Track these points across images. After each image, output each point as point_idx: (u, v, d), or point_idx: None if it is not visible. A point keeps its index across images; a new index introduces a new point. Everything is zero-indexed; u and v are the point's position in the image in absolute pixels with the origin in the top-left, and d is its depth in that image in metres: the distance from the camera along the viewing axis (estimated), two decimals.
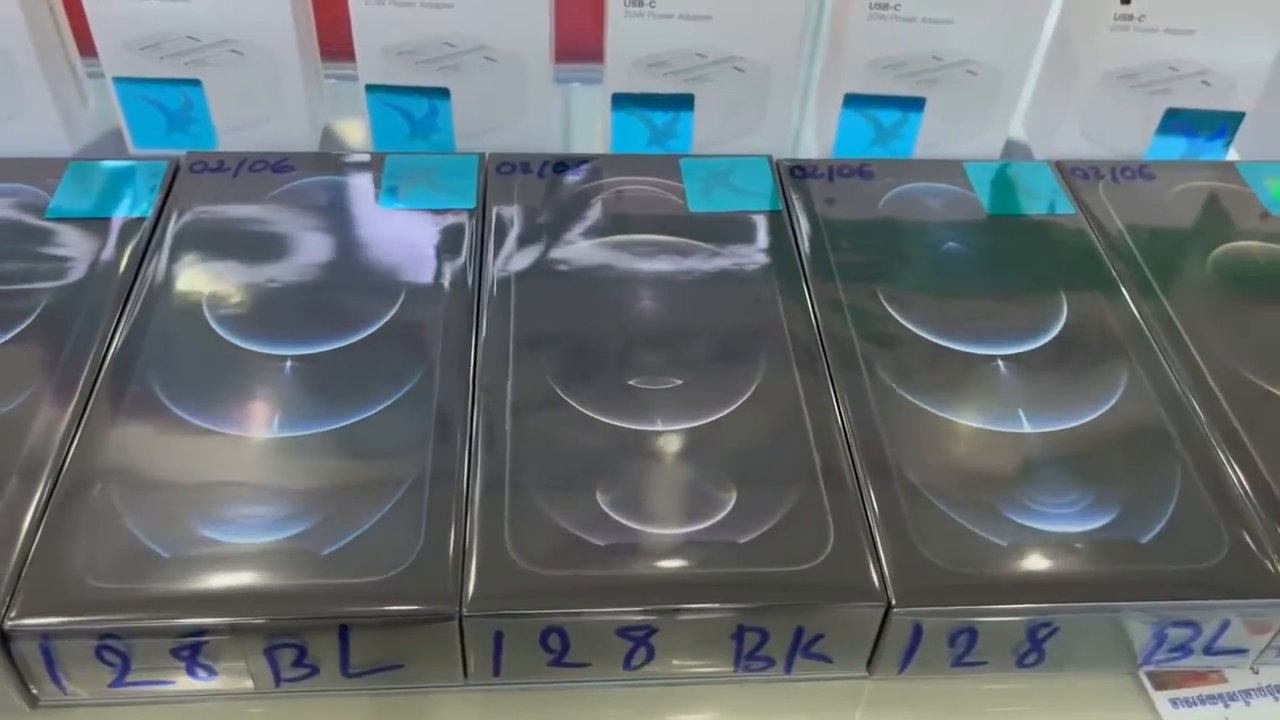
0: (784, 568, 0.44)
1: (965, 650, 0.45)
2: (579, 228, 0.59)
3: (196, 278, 0.55)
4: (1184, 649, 0.46)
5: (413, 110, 0.66)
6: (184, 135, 0.67)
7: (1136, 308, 0.57)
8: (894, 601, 0.43)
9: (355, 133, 0.71)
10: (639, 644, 0.44)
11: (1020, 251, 0.60)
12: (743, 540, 0.45)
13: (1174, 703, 0.47)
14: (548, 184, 0.62)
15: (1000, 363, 0.53)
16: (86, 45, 0.64)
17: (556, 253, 0.58)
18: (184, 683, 0.43)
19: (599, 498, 0.46)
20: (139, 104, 0.65)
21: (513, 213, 0.60)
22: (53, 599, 0.41)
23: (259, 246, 0.57)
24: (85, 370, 0.50)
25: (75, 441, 0.47)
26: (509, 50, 0.64)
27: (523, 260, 0.57)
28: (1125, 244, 0.61)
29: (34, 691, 0.44)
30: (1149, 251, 0.60)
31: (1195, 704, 0.47)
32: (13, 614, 0.41)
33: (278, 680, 0.44)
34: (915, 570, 0.44)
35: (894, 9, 0.64)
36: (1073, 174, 0.66)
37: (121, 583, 0.42)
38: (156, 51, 0.63)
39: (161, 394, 0.49)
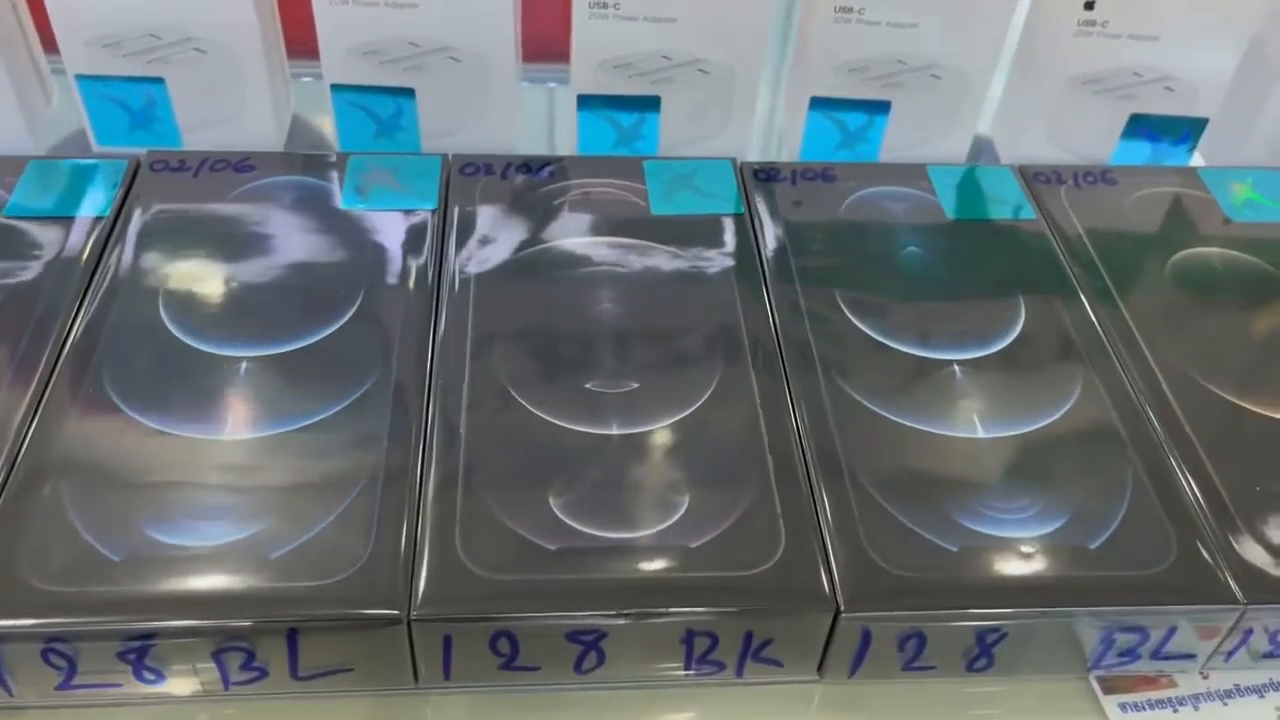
0: (734, 572, 0.44)
1: (915, 655, 0.45)
2: (540, 229, 0.59)
3: (154, 278, 0.55)
4: (1132, 654, 0.47)
5: (379, 110, 0.66)
6: (147, 133, 0.66)
7: (1094, 313, 0.57)
8: (842, 606, 0.43)
9: (323, 131, 0.71)
10: (589, 648, 0.44)
11: (980, 256, 0.60)
12: (694, 545, 0.45)
13: (1123, 707, 0.47)
14: (510, 185, 0.62)
15: (956, 368, 0.53)
16: (50, 42, 0.64)
17: (517, 254, 0.58)
18: (132, 686, 0.43)
19: (552, 501, 0.46)
20: (102, 102, 0.65)
21: (474, 214, 0.60)
22: None
23: (218, 246, 0.57)
24: (38, 372, 0.49)
25: (25, 444, 0.46)
26: (474, 51, 0.64)
27: (483, 262, 0.57)
28: (1085, 249, 0.61)
29: None
30: (1108, 257, 0.61)
31: (1144, 709, 0.47)
32: None
33: (226, 683, 0.44)
34: (864, 575, 0.44)
35: (859, 13, 0.64)
36: (1035, 178, 0.66)
37: (68, 585, 0.42)
38: (119, 49, 0.63)
39: (114, 395, 0.49)
